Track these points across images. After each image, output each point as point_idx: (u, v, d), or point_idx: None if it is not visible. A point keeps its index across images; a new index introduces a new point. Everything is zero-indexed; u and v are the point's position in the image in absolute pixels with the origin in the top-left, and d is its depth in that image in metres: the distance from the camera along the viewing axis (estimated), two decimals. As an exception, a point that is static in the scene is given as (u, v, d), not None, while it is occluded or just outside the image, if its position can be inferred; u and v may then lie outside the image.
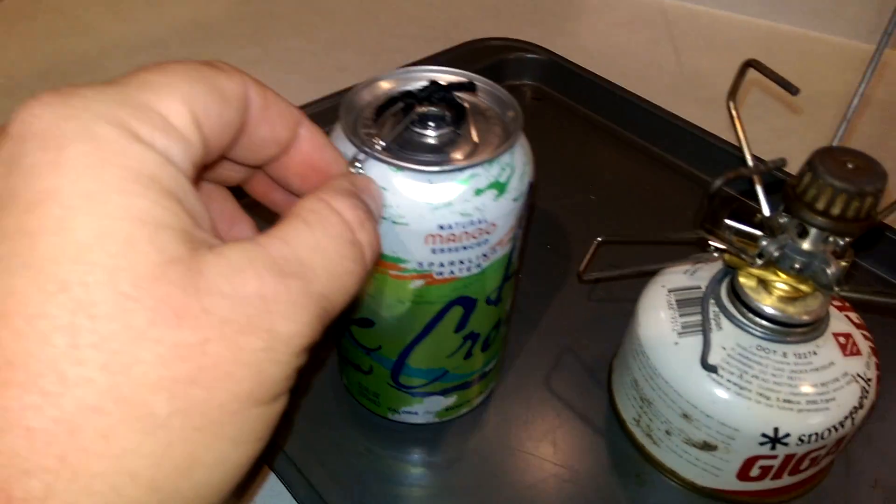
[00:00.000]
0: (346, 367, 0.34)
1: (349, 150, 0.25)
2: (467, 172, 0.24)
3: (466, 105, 0.27)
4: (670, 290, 0.32)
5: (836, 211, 0.24)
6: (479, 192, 0.24)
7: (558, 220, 0.47)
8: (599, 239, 0.38)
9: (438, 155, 0.25)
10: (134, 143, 0.16)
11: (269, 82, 0.21)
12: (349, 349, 0.32)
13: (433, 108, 0.26)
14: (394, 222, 0.25)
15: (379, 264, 0.26)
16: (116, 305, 0.15)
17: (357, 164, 0.24)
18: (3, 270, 0.15)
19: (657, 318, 0.31)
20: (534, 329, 0.40)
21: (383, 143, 0.24)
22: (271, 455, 0.32)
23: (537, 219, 0.47)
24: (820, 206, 0.25)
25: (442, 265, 0.26)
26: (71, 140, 0.15)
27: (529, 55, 0.60)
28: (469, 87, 0.26)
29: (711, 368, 0.28)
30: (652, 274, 0.34)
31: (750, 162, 0.29)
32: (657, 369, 0.30)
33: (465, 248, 0.26)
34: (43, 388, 0.14)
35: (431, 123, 0.25)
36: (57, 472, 0.14)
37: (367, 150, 0.24)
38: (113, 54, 0.63)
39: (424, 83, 0.27)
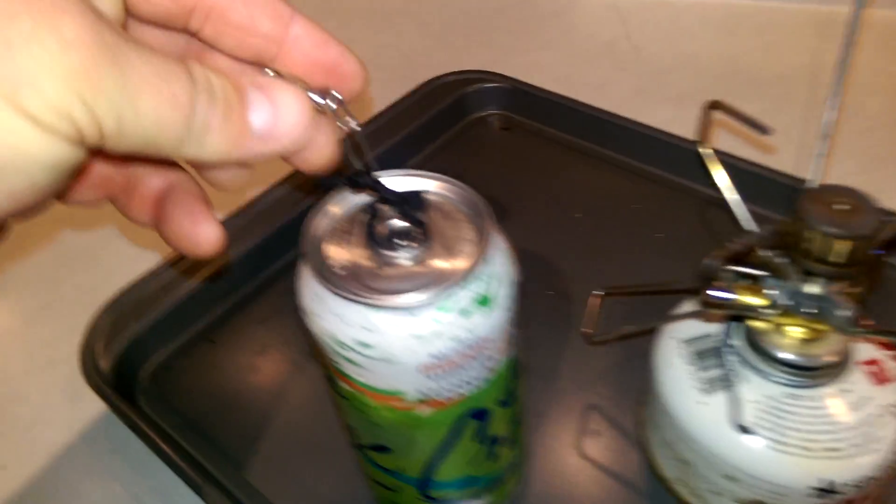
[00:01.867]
0: (373, 484, 0.33)
1: (320, 291, 0.23)
2: (450, 297, 0.23)
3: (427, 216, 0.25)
4: (681, 341, 0.31)
5: (835, 258, 0.23)
6: (466, 313, 0.23)
7: (550, 255, 0.45)
8: (597, 293, 0.36)
9: (413, 277, 0.23)
10: None
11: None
12: (371, 470, 0.31)
13: (393, 226, 0.24)
14: (384, 360, 0.23)
15: (379, 398, 0.25)
16: None
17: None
18: None
19: (675, 376, 0.30)
20: (552, 388, 0.38)
21: (356, 280, 0.23)
22: None
23: (530, 259, 0.45)
24: (818, 254, 0.23)
25: (444, 389, 0.24)
26: None
27: (489, 84, 0.58)
28: (417, 200, 0.25)
29: (746, 430, 0.27)
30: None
31: (745, 224, 0.27)
32: (687, 431, 0.29)
33: (463, 368, 0.24)
34: None
35: (400, 243, 0.24)
36: None
37: (342, 293, 0.22)
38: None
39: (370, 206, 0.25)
